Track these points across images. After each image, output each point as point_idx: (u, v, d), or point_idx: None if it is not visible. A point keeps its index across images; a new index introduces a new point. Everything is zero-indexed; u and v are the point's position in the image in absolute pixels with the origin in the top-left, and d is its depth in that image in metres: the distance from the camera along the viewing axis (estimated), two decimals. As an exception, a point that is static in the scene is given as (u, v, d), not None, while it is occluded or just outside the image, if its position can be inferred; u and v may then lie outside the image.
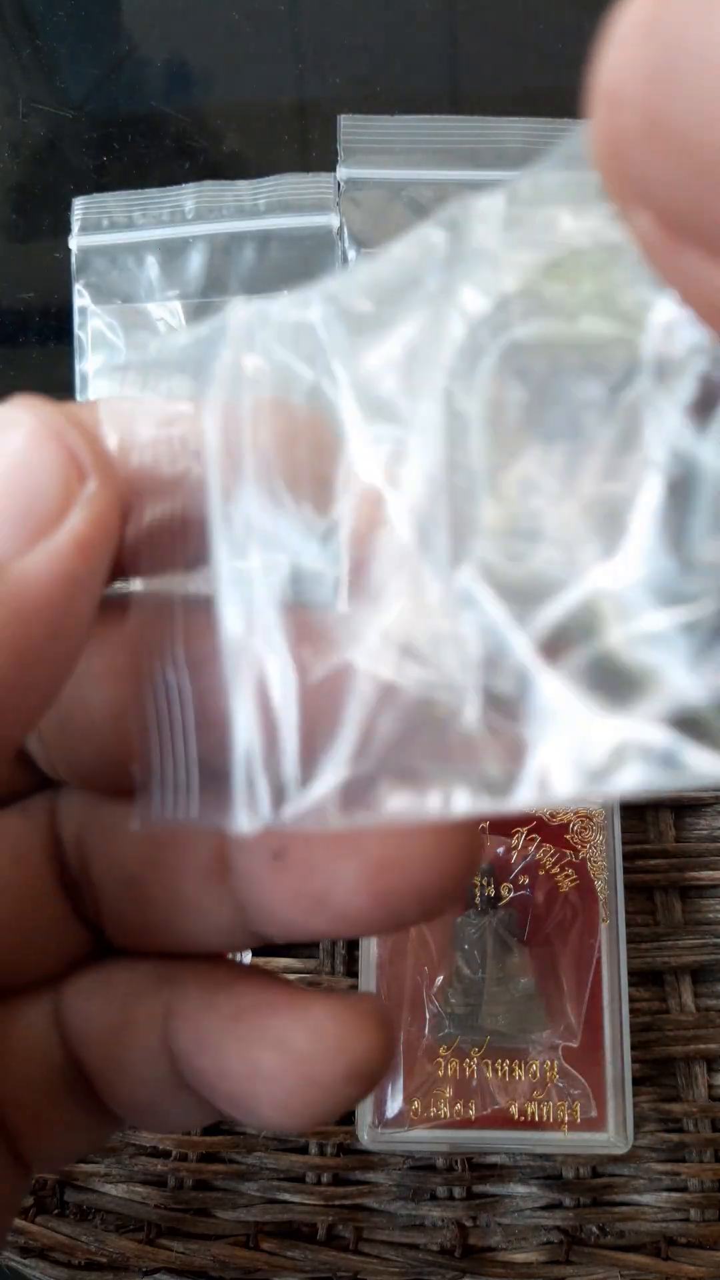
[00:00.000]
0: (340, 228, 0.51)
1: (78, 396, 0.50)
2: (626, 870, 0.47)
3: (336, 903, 0.16)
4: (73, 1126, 0.18)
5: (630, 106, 0.08)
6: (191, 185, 0.51)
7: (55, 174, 0.54)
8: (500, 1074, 0.46)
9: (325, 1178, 0.45)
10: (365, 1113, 0.44)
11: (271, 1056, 0.16)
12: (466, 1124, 0.45)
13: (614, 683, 0.11)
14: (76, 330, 0.49)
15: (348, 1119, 0.45)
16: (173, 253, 0.51)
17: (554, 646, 0.12)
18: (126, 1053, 0.17)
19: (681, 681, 0.11)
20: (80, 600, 0.13)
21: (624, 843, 0.46)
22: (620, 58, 0.08)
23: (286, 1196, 0.45)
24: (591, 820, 0.48)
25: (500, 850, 0.47)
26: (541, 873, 0.48)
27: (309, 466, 0.14)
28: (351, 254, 0.52)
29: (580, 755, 0.11)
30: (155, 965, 0.18)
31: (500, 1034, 0.46)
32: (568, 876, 0.48)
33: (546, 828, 0.48)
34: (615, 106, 0.08)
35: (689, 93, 0.07)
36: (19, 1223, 0.44)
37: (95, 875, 0.18)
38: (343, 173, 0.51)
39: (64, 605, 0.13)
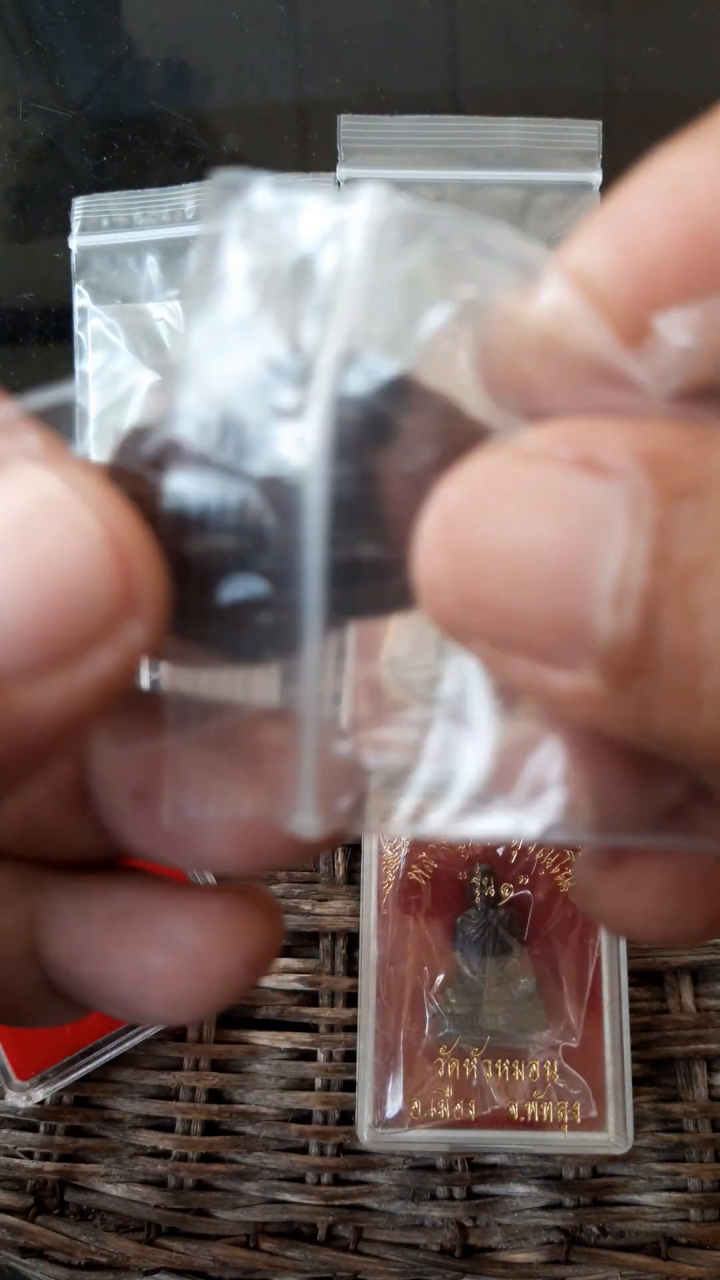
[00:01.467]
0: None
1: (78, 398, 0.50)
2: None
3: (203, 852, 0.15)
4: None
5: (444, 590, 0.12)
6: (191, 185, 0.52)
7: (55, 174, 0.54)
8: (500, 1074, 0.46)
9: (325, 1178, 0.45)
10: (365, 1113, 0.44)
11: (160, 956, 0.15)
12: (466, 1124, 0.45)
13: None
14: (76, 330, 0.49)
15: (347, 1119, 0.45)
16: (173, 253, 0.51)
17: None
18: None
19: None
20: (75, 734, 0.12)
21: None
22: (430, 560, 0.12)
23: (286, 1196, 0.45)
24: None
25: (500, 850, 0.47)
26: (541, 873, 0.48)
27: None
28: None
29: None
30: (14, 870, 0.17)
31: (500, 1034, 0.46)
32: (568, 876, 0.48)
33: (546, 828, 0.47)
34: (434, 590, 0.12)
35: (476, 582, 0.11)
36: (19, 1222, 0.44)
37: None
38: (343, 173, 0.51)
39: (55, 739, 0.12)
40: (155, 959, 0.15)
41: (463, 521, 0.11)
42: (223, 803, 0.15)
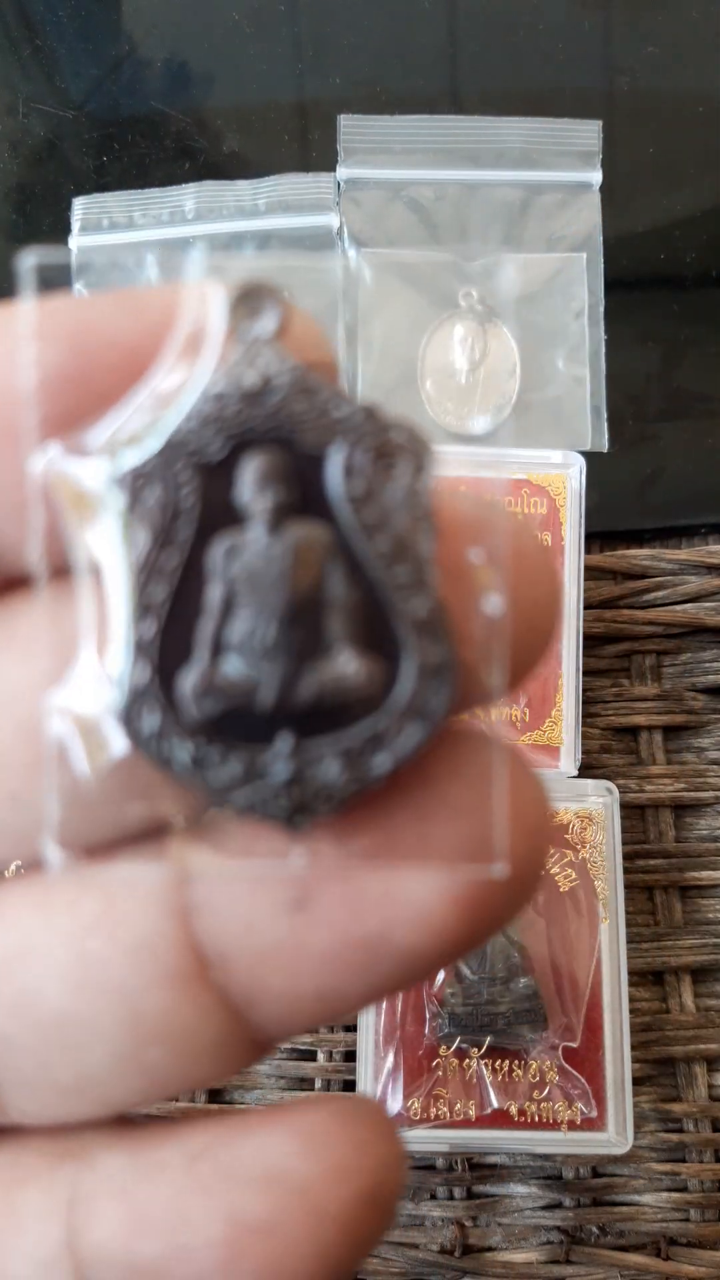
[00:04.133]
0: (340, 227, 0.51)
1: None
2: (626, 870, 0.47)
3: (399, 939, 0.15)
4: None
5: None
6: (192, 185, 0.52)
7: (55, 174, 0.54)
8: (500, 1074, 0.46)
9: (325, 1177, 0.44)
10: None
11: (257, 1198, 0.13)
12: (466, 1124, 0.45)
13: None
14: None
15: None
16: (173, 253, 0.51)
17: None
18: (7, 1262, 0.14)
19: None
20: None
21: (624, 843, 0.47)
22: None
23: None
24: (591, 820, 0.48)
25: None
26: (541, 872, 0.47)
27: None
28: (352, 253, 0.52)
29: None
30: (45, 1141, 0.16)
31: (500, 1033, 0.46)
32: (567, 876, 0.48)
33: (546, 827, 0.47)
34: None
35: None
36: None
37: None
38: (343, 173, 0.51)
39: None
40: (250, 1203, 0.13)
41: None
42: (420, 863, 0.15)
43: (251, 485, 0.16)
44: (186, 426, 0.16)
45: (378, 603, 0.16)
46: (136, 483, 0.16)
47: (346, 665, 0.16)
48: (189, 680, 0.16)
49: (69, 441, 0.15)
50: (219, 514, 0.16)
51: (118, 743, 0.16)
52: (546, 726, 0.47)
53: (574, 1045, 0.46)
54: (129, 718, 0.16)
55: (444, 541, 0.15)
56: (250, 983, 0.16)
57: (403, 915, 0.16)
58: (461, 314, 0.51)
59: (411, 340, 0.52)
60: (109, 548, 0.16)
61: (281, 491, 0.16)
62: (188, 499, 0.16)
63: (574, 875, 0.48)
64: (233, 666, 0.16)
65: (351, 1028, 0.45)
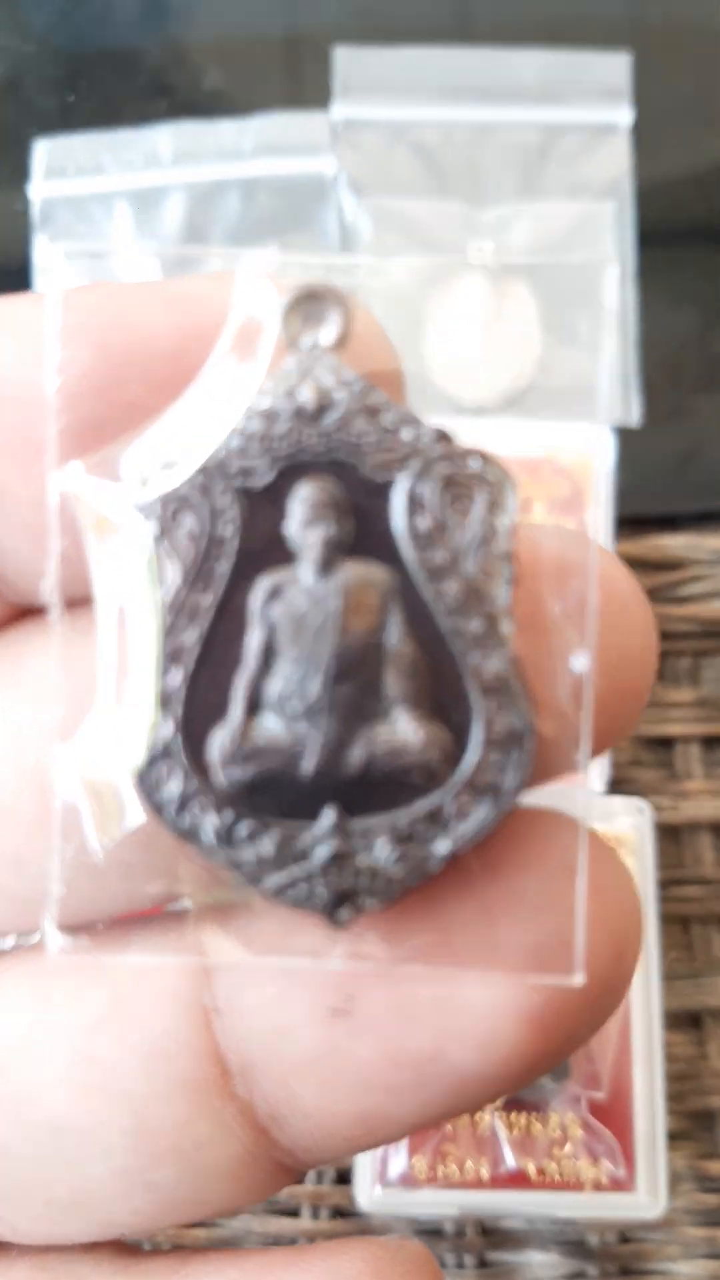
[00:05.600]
0: (335, 174, 0.49)
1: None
2: (661, 900, 0.45)
3: (455, 1058, 0.14)
4: None
5: None
6: (168, 126, 0.49)
7: (15, 115, 0.51)
8: (516, 1128, 0.43)
9: (321, 1249, 0.41)
10: (364, 1172, 0.42)
11: None
12: (478, 1185, 0.43)
13: None
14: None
15: (344, 1179, 0.43)
16: (147, 202, 0.48)
17: None
18: None
19: None
20: None
21: (658, 869, 0.44)
22: None
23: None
24: (621, 843, 0.45)
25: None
26: (628, 986, 0.43)
27: None
28: (350, 203, 0.49)
29: None
30: (33, 1265, 0.16)
31: None
32: None
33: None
34: None
35: None
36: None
37: None
38: (338, 112, 0.48)
39: None
40: None
41: None
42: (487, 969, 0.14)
43: (301, 517, 0.15)
44: (229, 446, 0.15)
45: (444, 658, 0.15)
46: (168, 509, 0.15)
47: (404, 730, 0.15)
48: (219, 741, 0.15)
49: (94, 458, 0.15)
50: (262, 549, 0.15)
51: (134, 809, 0.15)
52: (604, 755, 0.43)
53: (600, 1096, 0.43)
54: (148, 781, 0.15)
55: (523, 588, 0.14)
56: (279, 1098, 0.16)
57: (461, 1030, 0.15)
58: (474, 271, 0.48)
59: (416, 301, 0.47)
60: (134, 582, 0.15)
61: (335, 525, 0.15)
62: (226, 529, 0.15)
63: None
64: (271, 727, 0.15)
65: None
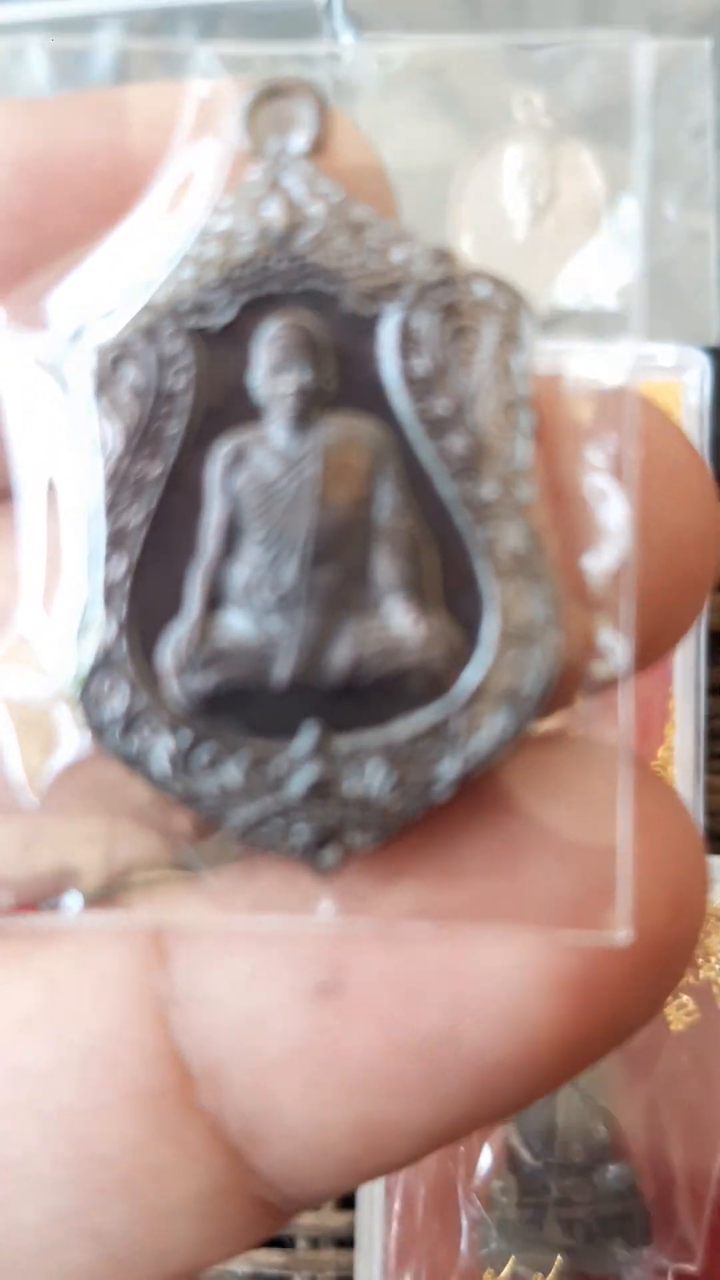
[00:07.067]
0: (329, 1, 0.42)
1: None
2: None
3: (474, 1042, 0.14)
4: None
5: None
6: None
7: None
8: None
9: None
10: None
11: None
12: None
13: None
14: None
15: (348, 1201, 0.39)
16: (70, 39, 0.37)
17: None
18: None
19: None
20: None
21: None
22: None
23: None
24: (719, 920, 0.40)
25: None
26: (691, 947, 0.34)
27: None
28: (346, 38, 0.42)
29: None
30: None
31: (579, 1250, 0.38)
32: (683, 1009, 0.38)
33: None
34: None
35: None
36: None
37: None
38: None
39: None
40: None
41: None
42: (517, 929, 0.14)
43: (269, 362, 0.14)
44: (178, 278, 0.14)
45: (448, 534, 0.14)
46: (106, 358, 0.14)
47: (400, 625, 0.14)
48: (173, 644, 0.14)
49: (14, 300, 0.14)
50: (222, 404, 0.14)
51: (71, 735, 0.15)
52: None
53: (692, 1270, 0.37)
54: (87, 697, 0.14)
55: (547, 443, 0.14)
56: (255, 1107, 0.15)
57: (478, 1004, 0.14)
58: (520, 133, 0.41)
59: (441, 176, 0.37)
60: (65, 450, 0.14)
61: (312, 371, 0.14)
62: (177, 382, 0.14)
63: (692, 1007, 0.38)
64: (236, 625, 0.14)
65: (346, 1241, 0.39)
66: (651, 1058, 0.39)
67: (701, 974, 0.39)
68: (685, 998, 0.39)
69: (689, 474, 0.14)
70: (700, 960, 0.39)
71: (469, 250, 0.39)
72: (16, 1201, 0.15)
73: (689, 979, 0.40)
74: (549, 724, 0.15)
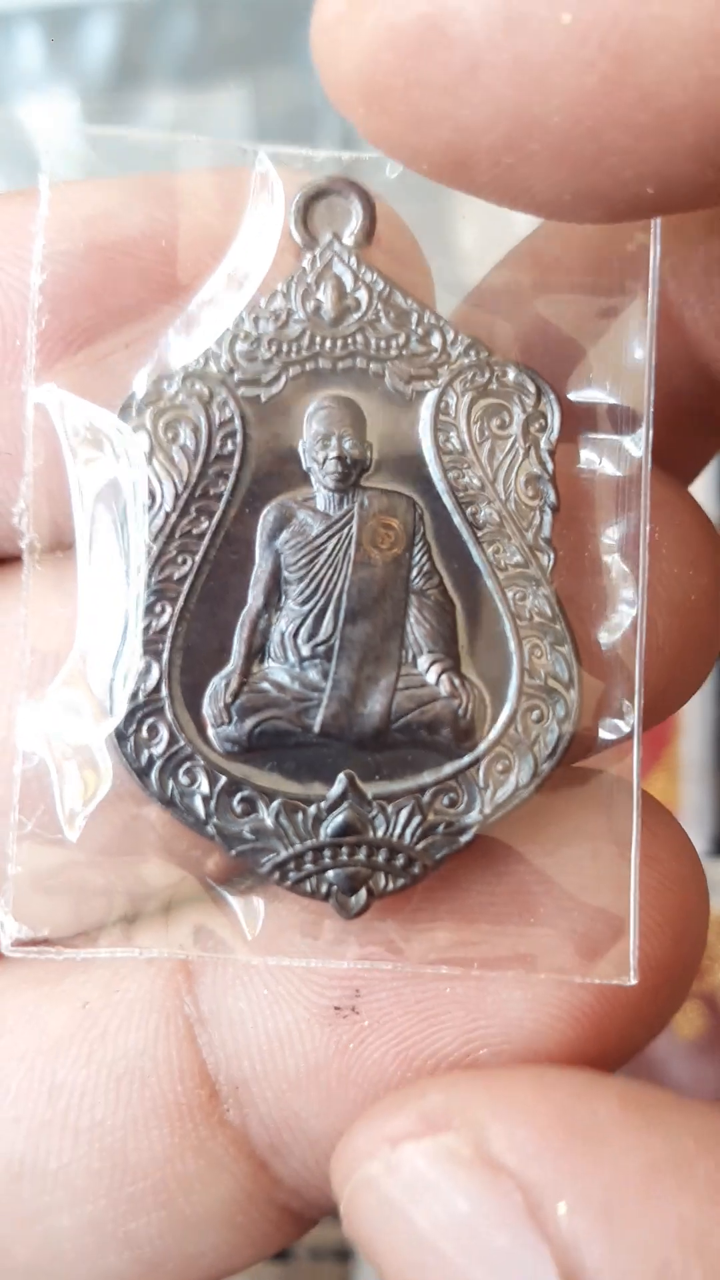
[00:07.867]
0: None
1: None
2: None
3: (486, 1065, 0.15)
4: None
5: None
6: None
7: None
8: None
9: None
10: None
11: None
12: None
13: None
14: None
15: None
16: (63, 25, 0.41)
17: None
18: None
19: None
20: None
21: None
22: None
23: None
24: None
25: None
26: (689, 986, 0.33)
27: None
28: None
29: None
30: None
31: None
32: (688, 1019, 0.37)
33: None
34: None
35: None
36: None
37: None
38: None
39: None
40: None
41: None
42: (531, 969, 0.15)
43: (315, 432, 0.15)
44: (233, 351, 0.15)
45: (476, 595, 0.15)
46: (160, 422, 0.15)
47: (430, 678, 0.15)
48: (213, 691, 0.15)
49: (78, 366, 0.15)
50: (269, 468, 0.15)
51: (111, 776, 0.16)
52: (658, 776, 0.38)
53: None
54: (128, 740, 0.15)
55: (566, 515, 0.15)
56: (279, 1120, 0.16)
57: (494, 1035, 0.15)
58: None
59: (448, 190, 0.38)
60: (120, 506, 0.15)
61: (354, 442, 0.15)
62: (227, 446, 0.15)
63: (701, 1011, 0.37)
64: (275, 675, 0.15)
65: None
66: (662, 1066, 0.37)
67: (710, 979, 0.37)
68: (698, 1008, 0.37)
69: (698, 540, 0.15)
70: (710, 965, 0.37)
71: (472, 252, 0.37)
72: (54, 1211, 0.16)
73: (696, 985, 0.39)
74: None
